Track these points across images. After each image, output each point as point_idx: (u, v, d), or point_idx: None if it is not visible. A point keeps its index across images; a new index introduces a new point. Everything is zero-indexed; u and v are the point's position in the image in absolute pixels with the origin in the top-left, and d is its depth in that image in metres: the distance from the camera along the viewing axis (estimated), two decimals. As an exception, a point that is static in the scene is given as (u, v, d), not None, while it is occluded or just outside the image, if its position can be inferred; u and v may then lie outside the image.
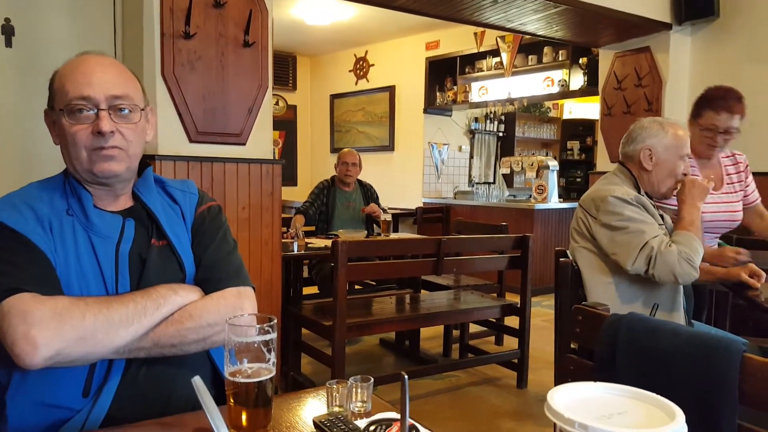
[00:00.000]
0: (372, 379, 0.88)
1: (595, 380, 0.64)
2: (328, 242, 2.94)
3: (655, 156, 1.77)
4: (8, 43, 2.38)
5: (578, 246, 1.81)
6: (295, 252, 2.96)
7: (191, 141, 2.35)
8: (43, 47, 2.45)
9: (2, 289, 0.87)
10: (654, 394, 0.59)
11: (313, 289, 3.68)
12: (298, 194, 6.54)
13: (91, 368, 0.92)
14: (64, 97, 0.98)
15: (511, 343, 3.39)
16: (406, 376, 0.63)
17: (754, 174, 2.34)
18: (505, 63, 5.52)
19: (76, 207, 1.00)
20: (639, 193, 1.79)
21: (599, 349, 1.13)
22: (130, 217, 1.04)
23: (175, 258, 1.05)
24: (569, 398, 0.57)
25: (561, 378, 1.33)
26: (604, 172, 4.28)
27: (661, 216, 1.81)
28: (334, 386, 0.89)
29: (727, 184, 2.19)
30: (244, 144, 2.48)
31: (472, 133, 6.58)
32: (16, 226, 0.93)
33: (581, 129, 7.43)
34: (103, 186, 1.03)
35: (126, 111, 1.01)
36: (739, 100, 2.03)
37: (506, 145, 6.83)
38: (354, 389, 0.87)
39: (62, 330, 0.84)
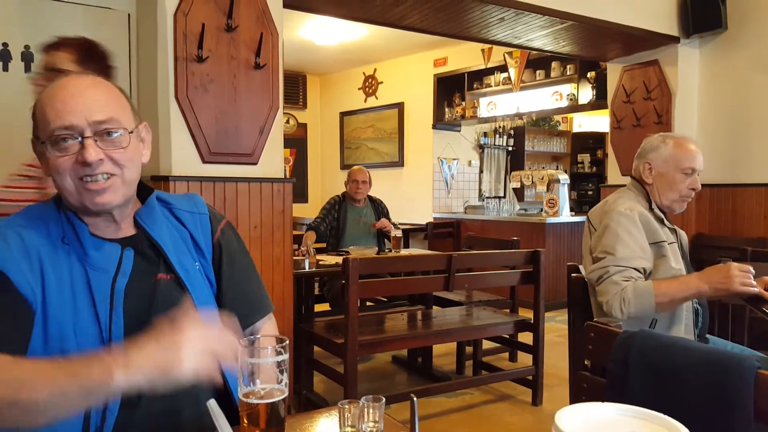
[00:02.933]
0: (384, 399, 0.88)
1: (607, 398, 0.65)
2: (339, 259, 2.95)
3: (654, 169, 1.79)
4: (27, 69, 2.45)
5: (585, 259, 1.83)
6: (307, 269, 2.98)
7: (204, 161, 2.39)
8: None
9: None
10: (661, 415, 0.59)
11: (324, 306, 3.68)
12: (308, 211, 6.58)
13: (84, 423, 0.86)
14: (46, 127, 0.91)
15: (525, 359, 3.36)
16: (415, 399, 0.64)
17: (760, 186, 2.31)
18: (513, 78, 5.55)
19: (71, 236, 0.94)
20: (651, 206, 1.78)
21: (611, 367, 1.12)
22: (129, 247, 0.97)
23: (180, 293, 0.98)
24: (577, 420, 0.57)
25: (575, 396, 1.32)
26: (616, 185, 4.30)
27: (674, 231, 1.80)
28: (346, 406, 0.89)
29: None
30: (255, 163, 2.51)
31: (481, 147, 6.60)
32: None
33: (591, 142, 7.41)
34: (98, 215, 0.96)
35: (114, 134, 0.93)
36: None
37: (516, 159, 6.83)
38: (366, 409, 0.88)
39: None
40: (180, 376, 0.77)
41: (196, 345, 0.78)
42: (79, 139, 0.91)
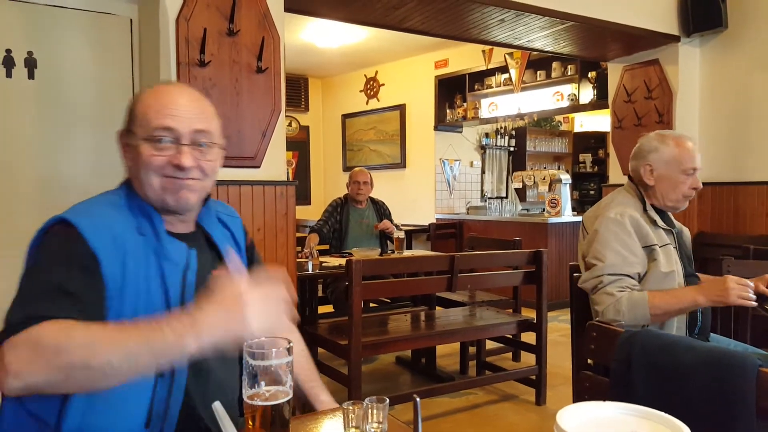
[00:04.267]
0: (387, 400, 0.89)
1: (610, 397, 0.65)
2: (342, 261, 2.96)
3: (656, 171, 1.77)
4: (31, 76, 2.47)
5: (580, 262, 1.83)
6: (310, 271, 2.99)
7: (207, 165, 2.41)
8: (63, 79, 2.54)
9: (28, 314, 0.80)
10: (663, 414, 0.60)
11: (328, 308, 3.69)
12: (311, 213, 6.59)
13: (152, 396, 0.92)
14: (146, 124, 0.97)
15: (528, 359, 3.36)
16: (418, 399, 0.64)
17: (762, 184, 2.31)
18: (513, 79, 5.56)
19: (147, 228, 0.98)
20: (645, 208, 1.78)
21: (614, 366, 1.13)
22: (193, 247, 1.03)
23: None
24: (578, 419, 0.58)
25: (578, 395, 1.32)
26: (618, 185, 4.28)
27: (670, 232, 1.78)
28: (350, 408, 0.90)
29: None
30: (258, 167, 2.53)
31: (483, 148, 6.60)
32: (92, 239, 0.90)
33: (593, 141, 7.41)
34: (171, 214, 1.02)
35: (205, 146, 1.00)
36: None
37: (518, 160, 6.83)
38: (370, 410, 0.89)
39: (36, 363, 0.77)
40: (247, 336, 0.79)
41: (257, 303, 0.81)
42: (175, 142, 0.97)
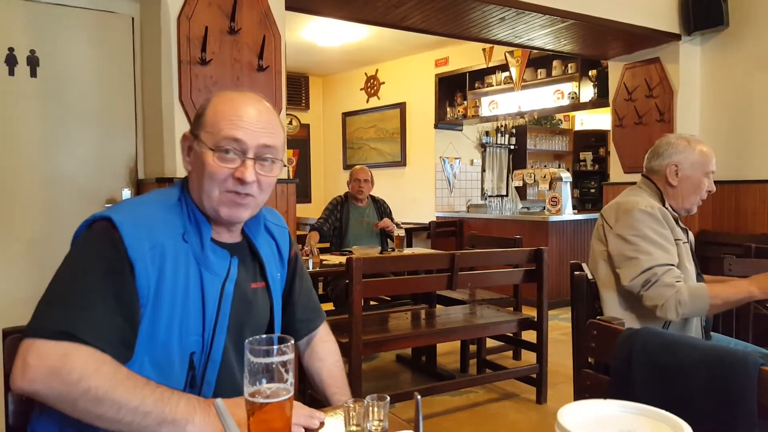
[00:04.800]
0: (388, 398, 0.89)
1: (611, 395, 0.65)
2: (343, 259, 2.96)
3: (681, 172, 1.77)
4: (33, 74, 2.47)
5: (597, 256, 1.81)
6: (310, 269, 2.99)
7: (208, 164, 2.41)
8: (65, 76, 2.54)
9: (56, 327, 0.82)
10: (663, 411, 0.60)
11: (328, 306, 3.69)
12: (312, 211, 6.59)
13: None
14: (215, 133, 0.96)
15: (529, 357, 3.36)
16: (419, 396, 0.65)
17: (764, 182, 2.31)
18: (514, 77, 5.55)
19: (194, 236, 0.98)
20: (663, 206, 1.79)
21: (615, 364, 1.13)
22: (235, 256, 1.02)
23: (269, 301, 1.09)
24: (579, 416, 0.58)
25: (579, 394, 1.32)
26: (618, 183, 4.30)
27: (685, 231, 1.80)
28: (351, 405, 0.90)
29: None
30: (259, 165, 2.53)
31: (483, 146, 6.60)
32: (130, 244, 0.90)
33: (593, 140, 7.41)
34: (220, 225, 1.02)
35: (269, 161, 0.99)
36: None
37: (518, 158, 6.83)
38: (370, 408, 0.89)
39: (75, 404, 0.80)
40: None
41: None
42: (241, 155, 0.96)
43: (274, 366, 0.79)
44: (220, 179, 0.96)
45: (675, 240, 1.71)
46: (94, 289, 0.87)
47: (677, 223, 1.78)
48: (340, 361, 1.25)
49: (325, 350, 1.24)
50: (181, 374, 0.95)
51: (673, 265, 1.65)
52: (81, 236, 0.93)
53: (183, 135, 1.02)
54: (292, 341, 0.82)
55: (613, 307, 1.75)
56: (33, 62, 2.46)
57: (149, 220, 0.94)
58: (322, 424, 0.92)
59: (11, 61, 2.42)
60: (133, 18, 2.63)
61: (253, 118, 0.98)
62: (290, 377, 0.80)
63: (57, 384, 0.80)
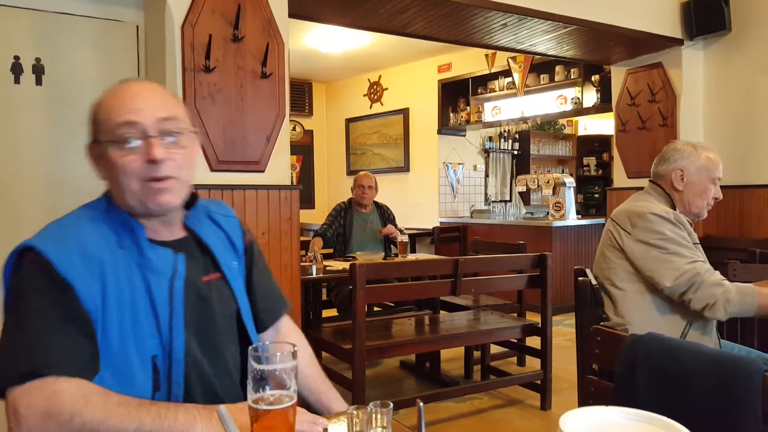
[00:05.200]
0: (391, 405, 0.89)
1: (615, 402, 0.65)
2: (347, 265, 2.96)
3: (686, 176, 1.78)
4: (38, 82, 2.49)
5: (609, 261, 1.79)
6: (314, 275, 2.99)
7: (212, 170, 2.42)
8: (71, 84, 2.56)
9: (22, 370, 0.81)
10: (666, 418, 0.60)
11: (332, 312, 3.69)
12: (315, 217, 6.61)
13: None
14: (109, 126, 0.93)
15: (533, 363, 3.35)
16: (421, 404, 0.65)
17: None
18: (517, 83, 5.56)
19: (129, 241, 0.94)
20: (675, 210, 1.79)
21: (619, 371, 1.13)
22: (180, 252, 0.99)
23: (228, 291, 1.05)
24: (581, 423, 0.58)
25: (584, 400, 1.32)
26: (622, 188, 4.29)
27: (696, 235, 1.80)
28: (354, 412, 0.90)
29: None
30: (263, 171, 2.54)
31: (486, 152, 6.61)
32: (61, 266, 0.87)
33: (597, 145, 7.40)
34: (155, 217, 0.98)
35: (176, 135, 0.95)
36: None
37: (521, 163, 6.83)
38: (374, 415, 0.89)
39: None
40: None
41: None
42: (144, 138, 0.92)
43: (277, 372, 0.79)
44: (133, 171, 0.92)
45: (693, 243, 1.72)
46: (45, 321, 0.85)
47: (690, 225, 1.78)
48: (313, 355, 1.22)
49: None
50: (145, 379, 0.92)
51: (704, 262, 1.65)
52: (11, 276, 0.90)
53: (86, 148, 0.97)
54: (296, 348, 0.82)
55: (642, 313, 1.71)
56: (38, 70, 2.48)
57: (76, 236, 0.91)
58: (325, 430, 0.91)
59: (17, 69, 2.44)
60: (137, 26, 2.66)
61: (143, 96, 0.94)
62: (293, 384, 0.80)
63: (53, 427, 0.79)
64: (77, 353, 0.85)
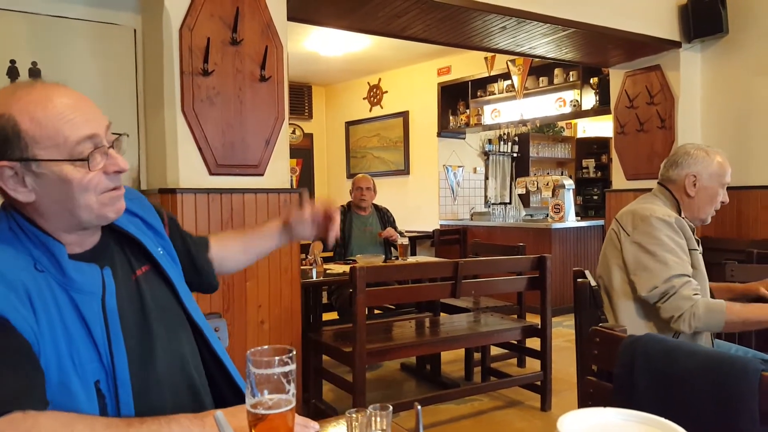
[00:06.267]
0: (390, 408, 0.89)
1: (614, 403, 0.66)
2: (347, 268, 2.96)
3: (699, 182, 1.77)
4: (36, 86, 2.50)
5: (611, 263, 1.80)
6: (314, 278, 2.99)
7: (211, 173, 2.42)
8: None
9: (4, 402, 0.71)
10: (663, 420, 0.60)
11: (332, 315, 3.69)
12: (315, 220, 6.59)
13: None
14: (62, 143, 0.83)
15: (533, 365, 3.35)
16: (419, 407, 0.65)
17: (765, 188, 2.31)
18: (516, 86, 5.57)
19: (46, 261, 0.85)
20: (680, 215, 1.79)
21: (617, 372, 1.13)
22: (106, 265, 0.91)
23: (162, 279, 0.99)
24: (579, 425, 0.59)
25: (583, 401, 1.32)
26: (621, 190, 4.29)
27: (698, 241, 1.80)
28: (354, 415, 0.90)
29: None
30: (262, 174, 2.54)
31: (486, 154, 6.62)
32: None
33: (596, 147, 7.41)
34: (86, 230, 0.91)
35: (121, 138, 0.91)
36: None
37: (521, 166, 6.84)
38: (373, 418, 0.89)
39: None
40: None
41: None
42: (102, 150, 0.86)
43: (275, 377, 0.79)
44: (95, 186, 0.86)
45: (691, 250, 1.71)
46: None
47: (693, 233, 1.77)
48: (227, 234, 1.33)
49: (223, 242, 1.28)
50: (91, 407, 0.84)
51: (689, 276, 1.65)
52: None
53: (6, 166, 0.83)
54: (294, 352, 0.82)
55: (628, 315, 1.74)
56: (35, 74, 2.48)
57: None
58: None
59: (13, 73, 2.44)
60: (135, 30, 2.66)
61: (82, 104, 0.87)
62: (292, 388, 0.80)
63: None
64: (34, 385, 0.77)
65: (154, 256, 0.99)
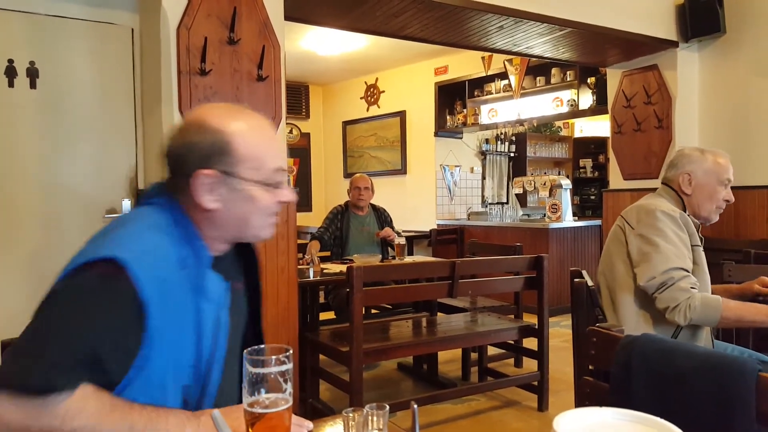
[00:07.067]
0: (387, 407, 0.89)
1: (611, 403, 0.66)
2: (344, 267, 2.96)
3: (694, 180, 1.80)
4: (33, 85, 2.49)
5: (615, 257, 1.80)
6: (311, 278, 2.99)
7: (208, 173, 2.42)
8: (65, 88, 2.56)
9: (40, 384, 0.75)
10: (659, 419, 0.60)
11: (329, 315, 3.69)
12: (312, 220, 6.60)
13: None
14: (261, 167, 0.95)
15: (530, 365, 3.35)
16: (416, 406, 0.65)
17: (762, 188, 2.32)
18: (513, 85, 5.58)
19: (191, 263, 0.91)
20: (684, 212, 1.80)
21: (614, 371, 1.13)
22: (228, 279, 0.99)
23: (244, 300, 1.07)
24: (576, 424, 0.59)
25: (580, 401, 1.32)
26: (618, 190, 4.30)
27: (701, 238, 1.81)
28: (351, 414, 0.90)
29: None
30: (259, 174, 2.54)
31: (483, 154, 6.62)
32: (144, 287, 0.83)
33: (593, 147, 7.42)
34: (233, 243, 1.02)
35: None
36: None
37: (518, 165, 6.85)
38: (370, 417, 0.89)
39: None
40: None
41: None
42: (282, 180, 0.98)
43: (272, 376, 0.79)
44: (270, 210, 0.98)
45: (694, 245, 1.73)
46: (91, 341, 0.80)
47: (697, 230, 1.79)
48: None
49: None
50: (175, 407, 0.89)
51: (688, 270, 1.66)
52: (75, 281, 0.84)
53: (201, 173, 0.92)
54: (291, 351, 0.82)
55: (628, 310, 1.75)
56: (32, 74, 2.48)
57: (154, 253, 0.87)
58: None
59: (11, 72, 2.44)
60: (132, 29, 2.65)
61: (278, 140, 1.00)
62: (289, 387, 0.80)
63: (45, 423, 0.77)
64: (101, 378, 0.82)
65: (255, 275, 1.07)
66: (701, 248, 1.77)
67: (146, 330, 0.84)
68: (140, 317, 0.84)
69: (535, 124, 6.11)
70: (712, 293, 1.86)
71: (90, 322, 0.81)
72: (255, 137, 0.96)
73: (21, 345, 0.80)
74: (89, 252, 0.85)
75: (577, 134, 7.53)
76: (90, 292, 0.83)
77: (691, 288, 1.62)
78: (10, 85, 2.44)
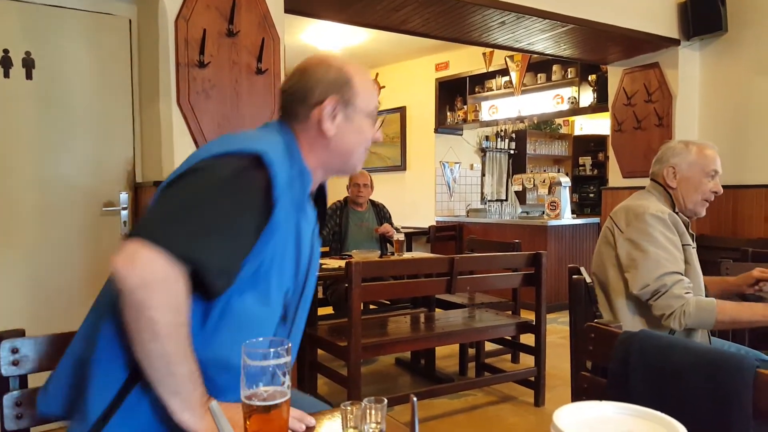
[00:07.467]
0: (385, 401, 0.89)
1: (608, 398, 0.65)
2: (342, 263, 2.96)
3: (678, 173, 1.79)
4: (29, 76, 2.47)
5: (606, 260, 1.80)
6: (310, 273, 2.98)
7: (206, 166, 2.41)
8: (61, 79, 2.54)
9: (181, 251, 0.83)
10: (659, 413, 0.60)
11: (328, 310, 3.69)
12: (311, 215, 6.58)
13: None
14: (369, 104, 1.09)
15: (527, 360, 3.36)
16: (415, 399, 0.64)
17: (761, 187, 2.32)
18: (514, 82, 5.57)
19: (297, 185, 1.00)
20: (674, 210, 1.79)
21: (612, 367, 1.13)
22: (315, 207, 1.11)
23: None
24: (575, 418, 0.58)
25: (577, 396, 1.32)
26: (617, 188, 4.30)
27: (692, 236, 1.81)
28: (349, 408, 0.90)
29: None
30: (257, 168, 2.53)
31: (483, 151, 6.61)
32: (278, 186, 0.92)
33: (593, 144, 7.41)
34: (329, 175, 1.13)
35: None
36: None
37: (518, 163, 6.84)
38: (368, 411, 0.88)
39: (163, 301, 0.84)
40: None
41: None
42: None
43: (270, 369, 0.79)
44: (367, 143, 1.10)
45: (684, 245, 1.72)
46: (232, 224, 0.88)
47: (687, 228, 1.78)
48: None
49: None
50: (277, 308, 0.98)
51: (681, 273, 1.65)
52: (229, 165, 0.92)
53: (331, 99, 1.04)
54: (289, 345, 0.82)
55: (624, 312, 1.74)
56: (28, 64, 2.46)
57: (282, 161, 0.96)
58: (312, 428, 0.91)
59: (6, 63, 2.42)
60: (130, 20, 2.64)
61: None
62: (287, 380, 0.80)
63: (157, 296, 0.82)
64: (230, 265, 0.89)
65: (319, 219, 1.15)
66: (692, 247, 1.76)
67: (270, 223, 0.92)
68: (269, 211, 0.92)
69: (535, 121, 6.10)
70: (709, 285, 1.87)
71: (234, 206, 0.89)
72: (366, 77, 1.11)
73: (168, 210, 0.89)
74: (231, 144, 0.95)
75: (577, 132, 7.52)
76: (240, 182, 0.91)
77: (686, 293, 1.62)
78: (6, 75, 2.42)
